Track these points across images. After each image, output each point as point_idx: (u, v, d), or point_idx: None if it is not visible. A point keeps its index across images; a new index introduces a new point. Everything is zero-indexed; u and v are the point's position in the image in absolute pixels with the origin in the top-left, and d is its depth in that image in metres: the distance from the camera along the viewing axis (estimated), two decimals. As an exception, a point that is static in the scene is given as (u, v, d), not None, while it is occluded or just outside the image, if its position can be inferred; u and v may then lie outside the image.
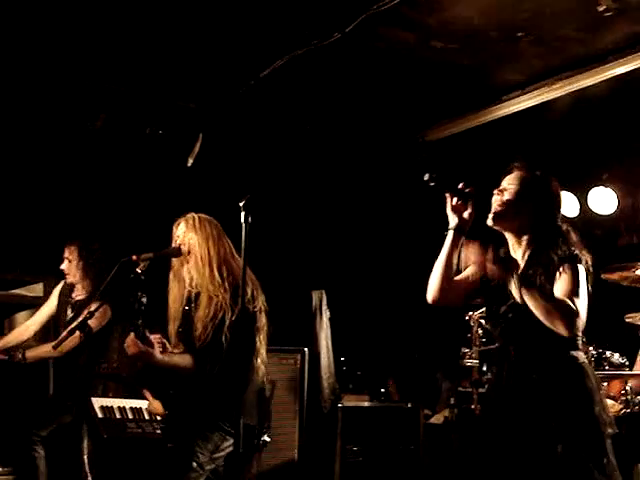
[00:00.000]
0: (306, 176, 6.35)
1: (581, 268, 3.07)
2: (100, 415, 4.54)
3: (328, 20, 4.73)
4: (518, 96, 5.61)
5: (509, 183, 3.23)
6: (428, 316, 6.89)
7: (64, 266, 4.88)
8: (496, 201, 3.21)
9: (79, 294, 4.93)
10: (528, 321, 3.06)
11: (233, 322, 3.58)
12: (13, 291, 5.14)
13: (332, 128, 6.11)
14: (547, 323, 2.99)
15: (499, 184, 3.27)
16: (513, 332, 3.16)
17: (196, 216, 3.88)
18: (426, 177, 3.15)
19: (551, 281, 3.06)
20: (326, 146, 6.23)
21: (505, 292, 3.14)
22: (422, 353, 7.10)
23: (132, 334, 3.58)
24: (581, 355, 3.12)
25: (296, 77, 5.38)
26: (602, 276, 4.97)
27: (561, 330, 2.97)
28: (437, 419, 6.50)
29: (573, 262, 3.07)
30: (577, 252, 3.10)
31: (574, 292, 3.01)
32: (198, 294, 3.75)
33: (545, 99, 5.50)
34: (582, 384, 3.05)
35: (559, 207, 3.27)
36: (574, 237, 3.18)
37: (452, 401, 6.00)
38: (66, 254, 4.90)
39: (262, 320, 3.76)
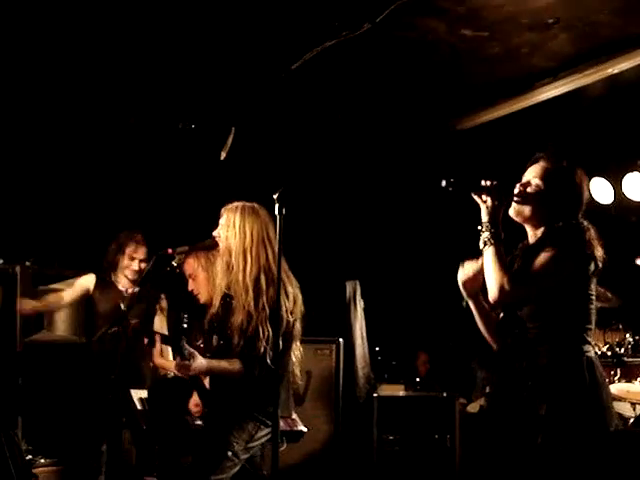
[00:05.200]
0: (340, 167, 6.36)
1: (564, 257, 3.00)
2: (139, 407, 4.60)
3: (358, 11, 4.73)
4: (550, 83, 5.57)
5: (533, 176, 3.17)
6: (462, 305, 6.90)
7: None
8: (517, 195, 3.15)
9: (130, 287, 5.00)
10: (523, 320, 3.06)
11: (270, 336, 3.57)
12: (52, 286, 5.21)
13: (364, 119, 6.11)
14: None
15: (523, 173, 3.22)
16: (508, 330, 3.15)
17: (238, 211, 3.78)
18: (443, 184, 3.13)
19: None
20: (358, 136, 6.23)
21: None
22: (457, 342, 7.09)
23: (178, 359, 3.67)
24: (586, 348, 3.04)
25: (327, 69, 5.38)
26: (637, 261, 4.96)
27: (489, 297, 3.02)
28: (473, 408, 6.51)
29: (558, 247, 3.01)
30: (575, 244, 3.03)
31: (530, 276, 3.01)
32: (232, 298, 3.74)
33: (578, 85, 5.45)
34: (577, 379, 2.97)
35: (581, 202, 3.17)
36: (592, 234, 3.08)
37: (488, 390, 5.99)
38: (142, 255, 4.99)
39: (297, 327, 3.74)
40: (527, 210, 3.14)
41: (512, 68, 5.49)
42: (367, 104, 5.98)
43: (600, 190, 6.11)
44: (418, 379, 6.80)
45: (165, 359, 5.02)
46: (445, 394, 6.19)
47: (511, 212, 3.17)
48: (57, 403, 4.85)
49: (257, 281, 3.64)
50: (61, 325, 5.24)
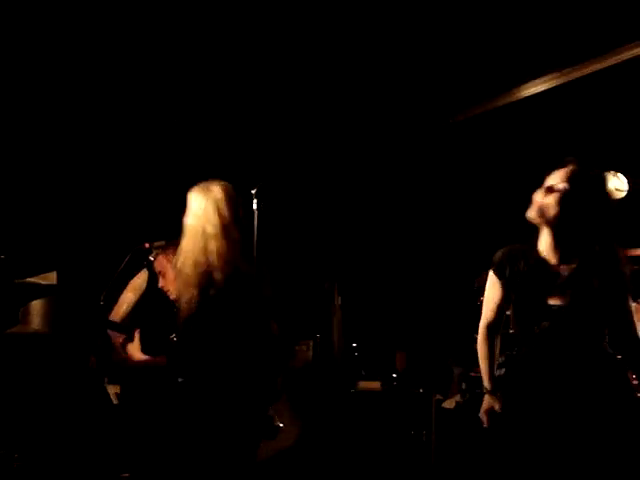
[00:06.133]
0: (319, 165, 6.36)
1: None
2: (115, 402, 4.57)
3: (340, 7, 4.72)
4: (533, 80, 5.61)
5: (558, 180, 3.07)
6: (440, 301, 6.93)
7: None
8: (540, 200, 3.09)
9: None
10: (570, 330, 3.05)
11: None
12: (27, 279, 5.17)
13: (346, 117, 6.11)
14: None
15: (545, 178, 3.14)
16: (552, 342, 3.11)
17: (191, 198, 3.73)
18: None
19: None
20: (337, 136, 6.23)
21: (541, 301, 3.10)
22: (434, 338, 7.12)
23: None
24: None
25: (315, 61, 5.37)
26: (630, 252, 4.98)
27: None
28: (449, 404, 6.52)
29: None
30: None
31: None
32: None
33: (558, 84, 5.49)
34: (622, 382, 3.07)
35: (609, 213, 3.13)
36: (621, 255, 3.10)
37: (463, 386, 6.01)
38: None
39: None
40: (552, 211, 3.05)
41: (497, 65, 5.52)
42: (351, 100, 5.98)
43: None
44: (395, 375, 6.80)
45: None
46: (422, 390, 6.21)
47: (532, 213, 3.12)
48: (30, 397, 4.81)
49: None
50: (36, 319, 5.19)
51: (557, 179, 3.08)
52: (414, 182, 6.74)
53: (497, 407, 3.24)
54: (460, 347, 6.27)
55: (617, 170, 6.12)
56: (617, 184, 6.17)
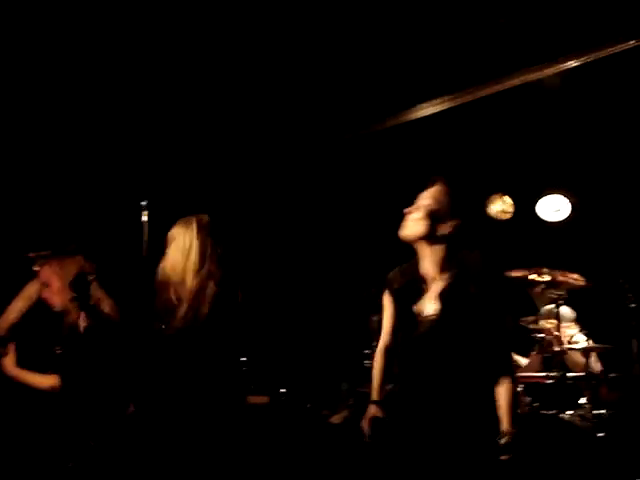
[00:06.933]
0: (212, 177, 6.34)
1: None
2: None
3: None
4: (424, 102, 5.74)
5: (423, 198, 3.25)
6: (328, 316, 6.98)
7: None
8: (407, 218, 3.24)
9: None
10: (443, 345, 3.12)
11: None
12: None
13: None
14: None
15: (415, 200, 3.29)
16: (426, 359, 3.18)
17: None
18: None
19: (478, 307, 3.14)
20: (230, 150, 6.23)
21: (415, 312, 3.20)
22: (322, 354, 7.15)
23: None
24: None
25: (209, 74, 5.35)
26: (506, 274, 5.13)
27: None
28: (336, 419, 6.55)
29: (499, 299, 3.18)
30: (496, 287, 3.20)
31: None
32: None
33: (450, 106, 5.64)
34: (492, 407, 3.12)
35: (471, 219, 3.31)
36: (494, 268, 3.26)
37: (351, 401, 6.06)
38: None
39: None
40: (421, 229, 3.19)
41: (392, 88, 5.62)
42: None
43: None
44: (283, 390, 6.80)
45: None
46: (309, 405, 6.23)
47: (404, 232, 3.24)
48: None
49: None
50: None
51: (422, 198, 3.26)
52: (306, 198, 6.79)
53: (379, 415, 3.31)
54: (348, 362, 6.31)
55: (504, 193, 6.35)
56: (504, 206, 6.39)
